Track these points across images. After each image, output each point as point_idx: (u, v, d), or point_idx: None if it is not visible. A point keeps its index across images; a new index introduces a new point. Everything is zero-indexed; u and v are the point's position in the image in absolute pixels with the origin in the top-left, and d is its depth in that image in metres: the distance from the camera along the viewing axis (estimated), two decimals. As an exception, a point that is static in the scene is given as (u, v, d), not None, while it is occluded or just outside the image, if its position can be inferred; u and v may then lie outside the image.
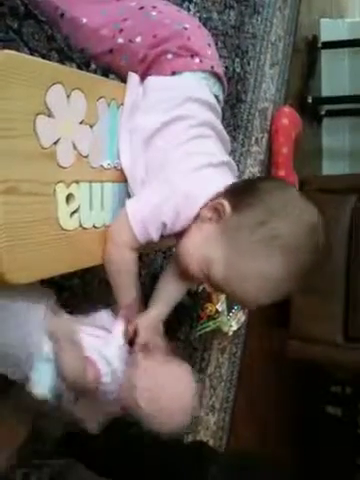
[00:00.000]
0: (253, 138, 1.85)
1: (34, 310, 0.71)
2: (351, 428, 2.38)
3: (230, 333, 1.54)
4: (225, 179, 0.78)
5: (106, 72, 0.88)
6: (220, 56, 0.88)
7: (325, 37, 2.47)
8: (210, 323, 1.44)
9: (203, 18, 1.50)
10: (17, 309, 0.69)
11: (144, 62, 0.80)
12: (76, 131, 0.68)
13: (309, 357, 1.80)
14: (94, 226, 0.74)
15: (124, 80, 0.79)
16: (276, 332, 1.94)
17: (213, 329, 1.47)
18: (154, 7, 0.81)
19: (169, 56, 0.79)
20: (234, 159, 1.63)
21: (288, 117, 1.98)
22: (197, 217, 0.74)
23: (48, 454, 0.83)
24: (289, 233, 0.70)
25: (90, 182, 0.72)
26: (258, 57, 1.87)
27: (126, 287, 0.79)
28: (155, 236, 0.74)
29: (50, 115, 0.63)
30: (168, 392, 0.71)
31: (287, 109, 2.02)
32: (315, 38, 2.42)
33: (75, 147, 0.68)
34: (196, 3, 1.46)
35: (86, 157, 0.71)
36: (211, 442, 1.60)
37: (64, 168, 0.67)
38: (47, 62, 0.67)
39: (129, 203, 0.75)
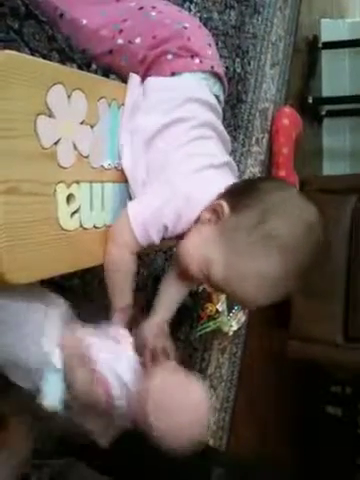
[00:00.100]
0: (253, 138, 1.85)
1: (34, 310, 0.71)
2: (351, 428, 2.38)
3: (230, 333, 1.54)
4: (226, 180, 0.78)
5: (107, 72, 0.88)
6: (220, 56, 0.88)
7: (326, 37, 2.47)
8: (210, 323, 1.45)
9: (204, 18, 1.50)
10: (17, 309, 0.69)
11: (144, 63, 0.80)
12: (77, 131, 0.68)
13: (309, 357, 1.80)
14: (95, 226, 0.74)
15: (125, 80, 0.79)
16: (276, 332, 1.95)
17: (213, 329, 1.47)
18: (154, 7, 0.81)
19: (169, 57, 0.79)
20: (234, 159, 1.63)
21: (289, 117, 1.99)
22: (198, 219, 0.75)
23: (48, 454, 0.83)
24: (287, 232, 0.70)
25: (91, 182, 0.72)
26: (259, 57, 1.87)
27: (123, 290, 0.79)
28: (156, 239, 0.74)
29: (51, 115, 0.63)
30: (180, 408, 0.68)
31: (287, 109, 2.02)
32: (316, 38, 2.42)
33: (76, 147, 0.68)
34: (197, 3, 1.46)
35: (87, 157, 0.71)
36: (211, 442, 1.61)
37: (65, 168, 0.67)
38: (48, 62, 0.67)
39: (130, 205, 0.75)
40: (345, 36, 2.46)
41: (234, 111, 1.70)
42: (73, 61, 1.00)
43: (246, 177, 1.78)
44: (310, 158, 2.47)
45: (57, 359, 0.68)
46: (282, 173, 1.96)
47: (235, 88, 1.71)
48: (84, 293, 1.03)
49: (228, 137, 0.87)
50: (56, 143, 0.64)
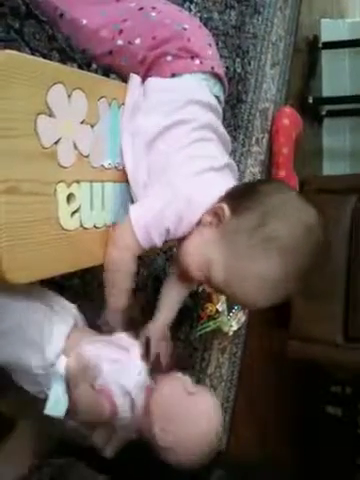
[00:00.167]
0: (254, 138, 1.85)
1: (34, 310, 0.70)
2: (351, 428, 2.38)
3: (230, 333, 1.54)
4: (227, 182, 0.78)
5: (107, 72, 0.88)
6: (221, 56, 0.88)
7: (326, 37, 2.47)
8: (210, 323, 1.44)
9: (204, 18, 1.50)
10: (19, 312, 0.69)
11: (144, 64, 0.80)
12: (77, 131, 0.68)
13: (309, 357, 1.80)
14: (95, 226, 0.74)
15: (125, 80, 0.79)
16: (276, 332, 1.94)
17: (213, 329, 1.47)
18: (154, 8, 0.81)
19: (169, 58, 0.79)
20: (234, 159, 1.64)
21: (289, 117, 1.98)
22: (199, 222, 0.75)
23: (48, 454, 0.83)
24: (287, 234, 0.70)
25: (91, 182, 0.72)
26: (259, 57, 1.87)
27: (121, 291, 0.80)
28: (158, 241, 0.75)
29: (51, 115, 0.63)
30: (187, 419, 0.67)
31: (288, 109, 2.01)
32: (316, 38, 2.42)
33: (76, 147, 0.68)
34: (197, 3, 1.46)
35: (87, 157, 0.71)
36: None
37: (65, 168, 0.67)
38: (48, 62, 0.67)
39: (132, 208, 0.75)
40: (345, 36, 2.45)
41: (234, 111, 1.70)
42: (73, 60, 1.00)
43: (246, 177, 1.78)
44: (310, 158, 2.47)
45: (62, 367, 0.67)
46: (282, 173, 1.96)
47: (235, 88, 1.71)
48: (84, 293, 1.03)
49: (228, 137, 0.87)
50: (56, 142, 0.64)
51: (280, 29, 2.05)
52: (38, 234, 0.63)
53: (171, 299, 0.91)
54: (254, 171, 1.86)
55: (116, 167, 0.77)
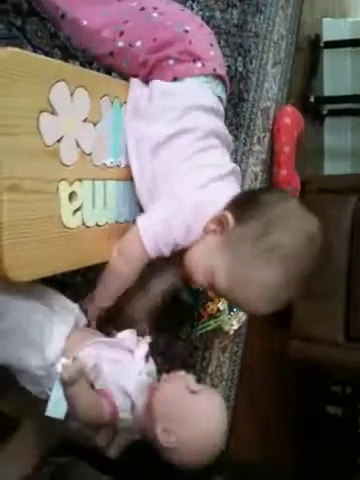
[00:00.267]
0: (255, 137, 1.84)
1: (35, 310, 0.70)
2: (351, 428, 2.38)
3: (231, 332, 1.54)
4: (232, 190, 0.79)
5: (109, 70, 0.87)
6: (222, 55, 0.87)
7: (327, 36, 2.46)
8: (211, 322, 1.44)
9: (206, 17, 1.50)
10: (18, 308, 0.69)
11: (145, 67, 0.79)
12: (79, 129, 0.68)
13: (310, 357, 1.79)
14: (97, 224, 0.74)
15: (127, 80, 0.79)
16: (277, 332, 1.94)
17: (214, 328, 1.47)
18: (155, 8, 0.80)
19: (170, 62, 0.79)
20: (236, 158, 1.63)
21: (290, 116, 1.98)
22: (204, 229, 0.76)
23: (50, 452, 0.83)
24: (289, 243, 0.72)
25: (93, 180, 0.72)
26: (260, 56, 1.87)
27: (110, 295, 0.81)
28: (166, 251, 0.75)
29: (53, 112, 0.63)
30: (190, 419, 0.66)
31: (289, 108, 2.01)
32: (317, 37, 2.41)
33: (78, 145, 0.68)
34: (199, 2, 1.45)
35: (89, 155, 0.71)
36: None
37: (67, 166, 0.67)
38: (51, 59, 0.67)
39: (140, 219, 0.76)
40: (347, 35, 2.45)
41: (236, 110, 1.70)
42: (76, 58, 0.99)
43: (248, 176, 1.77)
44: (311, 157, 2.47)
45: (60, 366, 0.67)
46: (283, 172, 1.95)
47: (237, 87, 1.71)
48: (87, 291, 1.03)
49: (230, 137, 0.87)
50: (59, 140, 0.64)
51: (282, 28, 2.04)
52: (40, 232, 0.63)
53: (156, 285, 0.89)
54: (255, 170, 1.85)
55: (118, 165, 0.77)
